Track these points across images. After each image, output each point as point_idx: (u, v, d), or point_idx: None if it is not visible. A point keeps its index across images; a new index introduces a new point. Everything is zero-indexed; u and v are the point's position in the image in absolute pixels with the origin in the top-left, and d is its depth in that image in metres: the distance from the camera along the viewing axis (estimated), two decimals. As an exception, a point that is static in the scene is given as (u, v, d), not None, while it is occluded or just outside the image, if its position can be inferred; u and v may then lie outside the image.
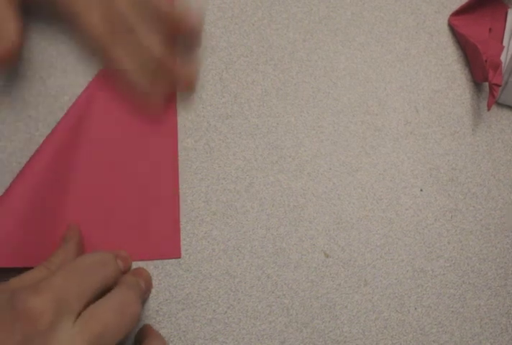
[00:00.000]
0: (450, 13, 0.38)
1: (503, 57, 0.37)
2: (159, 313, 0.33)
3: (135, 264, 0.33)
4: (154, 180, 0.33)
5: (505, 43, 0.37)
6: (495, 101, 0.36)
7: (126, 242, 0.33)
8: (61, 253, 0.29)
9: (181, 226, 0.33)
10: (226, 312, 0.33)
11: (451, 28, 0.38)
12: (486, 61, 0.35)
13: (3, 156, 0.32)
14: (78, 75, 0.33)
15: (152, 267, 0.33)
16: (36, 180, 0.30)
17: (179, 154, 0.34)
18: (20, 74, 0.32)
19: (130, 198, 0.33)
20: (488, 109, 0.35)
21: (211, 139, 0.34)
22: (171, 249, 0.33)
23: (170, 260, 0.33)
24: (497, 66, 0.35)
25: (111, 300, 0.25)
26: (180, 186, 0.34)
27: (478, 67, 0.36)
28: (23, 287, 0.24)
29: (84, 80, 0.33)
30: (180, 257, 0.33)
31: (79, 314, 0.24)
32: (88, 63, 0.34)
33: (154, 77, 0.31)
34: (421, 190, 0.36)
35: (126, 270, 0.32)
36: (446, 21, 0.38)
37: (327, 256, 0.34)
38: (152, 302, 0.33)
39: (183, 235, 0.33)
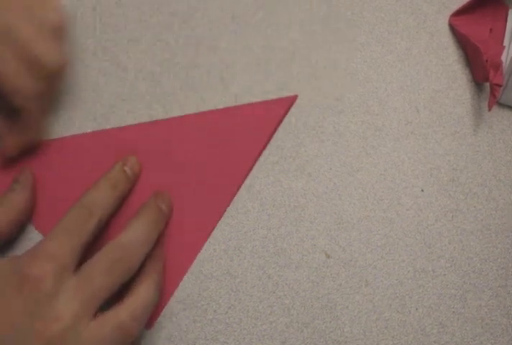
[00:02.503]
0: (451, 13, 0.38)
1: (503, 58, 0.37)
2: (159, 313, 0.32)
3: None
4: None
5: (505, 43, 0.37)
6: (496, 101, 0.36)
7: None
8: (7, 199, 0.29)
9: (182, 226, 0.33)
10: (227, 312, 0.33)
11: (452, 28, 0.38)
12: (487, 61, 0.35)
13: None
14: (79, 76, 0.33)
15: (152, 267, 0.33)
16: None
17: (180, 154, 0.34)
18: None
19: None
20: (489, 109, 0.35)
21: (212, 139, 0.34)
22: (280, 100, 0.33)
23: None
24: (497, 66, 0.35)
25: (103, 258, 0.26)
26: (180, 186, 0.33)
27: (479, 67, 0.36)
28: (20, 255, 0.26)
29: (85, 81, 0.33)
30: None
31: (78, 265, 0.26)
32: (87, 66, 0.34)
33: None
34: (422, 191, 0.36)
35: (136, 175, 0.31)
36: (446, 21, 0.38)
37: (328, 256, 0.34)
38: (152, 303, 0.33)
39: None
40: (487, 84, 0.38)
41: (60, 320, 0.24)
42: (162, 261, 0.30)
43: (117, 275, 0.26)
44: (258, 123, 0.33)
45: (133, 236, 0.27)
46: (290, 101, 0.34)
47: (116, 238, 0.27)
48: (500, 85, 0.34)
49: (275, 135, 0.35)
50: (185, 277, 0.33)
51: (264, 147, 0.34)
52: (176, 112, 0.34)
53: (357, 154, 0.36)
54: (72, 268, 0.25)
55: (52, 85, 0.29)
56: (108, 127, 0.33)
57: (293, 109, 0.35)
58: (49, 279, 0.24)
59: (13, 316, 0.24)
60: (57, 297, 0.24)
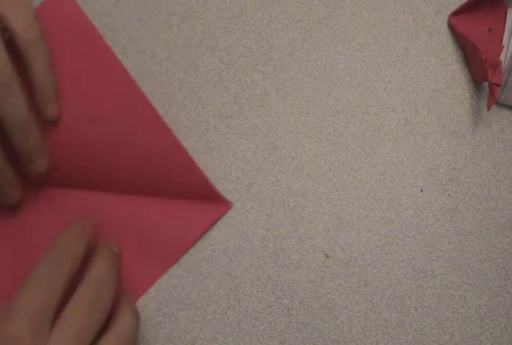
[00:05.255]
0: (450, 12, 0.38)
1: (502, 57, 0.37)
2: (159, 313, 0.33)
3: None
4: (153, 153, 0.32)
5: (504, 43, 0.37)
6: (494, 101, 0.36)
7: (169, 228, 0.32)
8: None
9: (181, 227, 0.33)
10: (226, 312, 0.33)
11: (451, 27, 0.38)
12: (486, 60, 0.35)
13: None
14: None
15: (151, 268, 0.33)
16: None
17: (179, 154, 0.34)
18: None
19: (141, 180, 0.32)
20: (488, 109, 0.35)
21: (211, 139, 0.35)
22: (216, 205, 0.33)
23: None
24: (496, 66, 0.35)
25: (80, 299, 0.26)
26: (179, 186, 0.34)
27: (478, 66, 0.36)
28: None
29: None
30: (230, 207, 0.33)
31: (55, 316, 0.25)
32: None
33: None
34: (421, 190, 0.36)
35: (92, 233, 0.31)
36: (445, 21, 0.38)
37: (327, 256, 0.34)
38: (152, 302, 0.33)
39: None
40: (486, 84, 0.38)
41: None
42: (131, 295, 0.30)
43: (98, 313, 0.26)
44: (188, 224, 0.33)
45: (99, 273, 0.27)
46: (222, 210, 0.33)
47: (83, 280, 0.27)
48: (498, 85, 0.34)
49: (275, 134, 0.35)
50: (185, 276, 0.33)
51: (189, 245, 0.33)
52: (175, 112, 0.34)
53: (356, 155, 0.36)
54: (49, 320, 0.25)
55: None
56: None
57: (292, 109, 0.36)
58: (26, 338, 0.23)
59: None
60: None
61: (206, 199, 0.33)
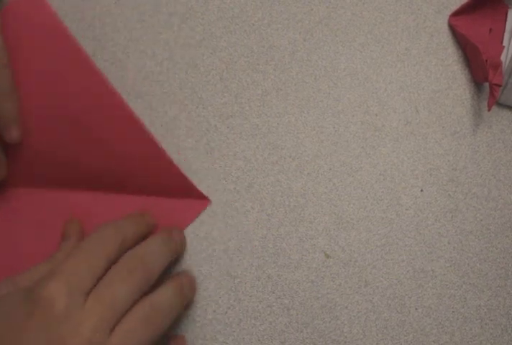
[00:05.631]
0: (450, 13, 0.38)
1: (503, 58, 0.37)
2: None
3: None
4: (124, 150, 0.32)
5: (505, 43, 0.37)
6: (495, 102, 0.36)
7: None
8: (64, 248, 0.30)
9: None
10: (226, 312, 0.33)
11: (452, 28, 0.38)
12: (486, 61, 0.35)
13: (3, 156, 0.32)
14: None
15: (152, 267, 0.33)
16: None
17: (179, 153, 0.34)
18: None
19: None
20: (489, 110, 0.35)
21: (211, 139, 0.35)
22: (196, 202, 0.33)
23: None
24: (497, 66, 0.35)
25: (119, 268, 0.26)
26: (180, 186, 0.34)
27: (478, 67, 0.36)
28: (34, 280, 0.25)
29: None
30: (209, 202, 0.34)
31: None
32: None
33: None
34: (422, 191, 0.36)
35: (148, 226, 0.31)
36: (446, 21, 0.38)
37: (327, 256, 0.34)
38: (152, 303, 0.33)
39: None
40: (487, 84, 0.38)
41: (78, 336, 0.23)
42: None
43: (135, 284, 0.26)
44: (170, 219, 0.33)
45: (149, 248, 0.28)
46: (201, 207, 0.34)
47: (132, 250, 0.27)
48: (499, 85, 0.34)
49: (275, 134, 0.35)
50: (185, 277, 0.33)
51: None
52: (176, 112, 0.34)
53: (357, 155, 0.36)
54: (88, 287, 0.25)
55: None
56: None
57: (292, 109, 0.36)
58: (60, 301, 0.23)
59: (27, 342, 0.23)
60: (70, 316, 0.23)
61: (185, 197, 0.33)
